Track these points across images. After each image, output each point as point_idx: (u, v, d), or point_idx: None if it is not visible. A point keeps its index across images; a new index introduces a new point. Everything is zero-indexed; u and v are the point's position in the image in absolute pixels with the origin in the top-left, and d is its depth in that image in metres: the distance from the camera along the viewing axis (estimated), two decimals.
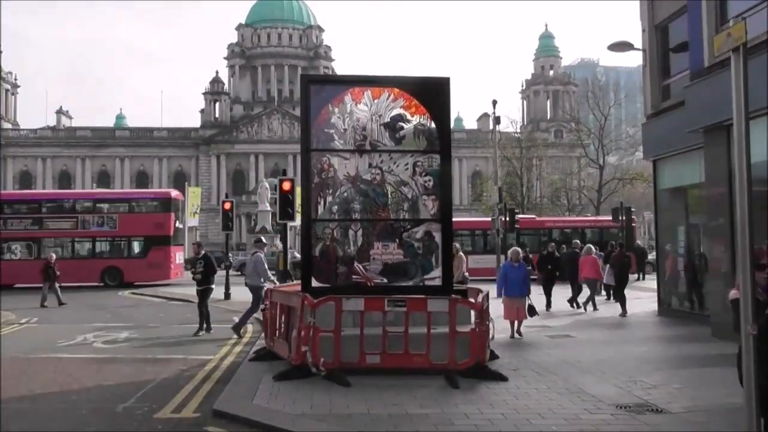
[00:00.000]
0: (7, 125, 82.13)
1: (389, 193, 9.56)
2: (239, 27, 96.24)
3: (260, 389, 7.30)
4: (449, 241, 9.74)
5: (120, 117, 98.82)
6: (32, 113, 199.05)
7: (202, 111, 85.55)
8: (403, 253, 9.46)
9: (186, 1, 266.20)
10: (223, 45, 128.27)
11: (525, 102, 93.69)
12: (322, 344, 7.55)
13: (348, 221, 9.45)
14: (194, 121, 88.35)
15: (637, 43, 15.29)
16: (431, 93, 9.88)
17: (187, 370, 8.85)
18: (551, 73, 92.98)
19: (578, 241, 19.62)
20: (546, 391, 7.39)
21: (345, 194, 9.50)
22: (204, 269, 12.30)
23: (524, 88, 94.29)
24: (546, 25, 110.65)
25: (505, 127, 52.91)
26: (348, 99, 9.70)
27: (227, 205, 20.97)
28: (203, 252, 12.74)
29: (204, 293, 12.69)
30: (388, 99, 9.78)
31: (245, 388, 7.42)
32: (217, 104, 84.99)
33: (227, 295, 20.48)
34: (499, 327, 10.30)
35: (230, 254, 48.16)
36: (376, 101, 9.74)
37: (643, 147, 15.60)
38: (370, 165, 9.59)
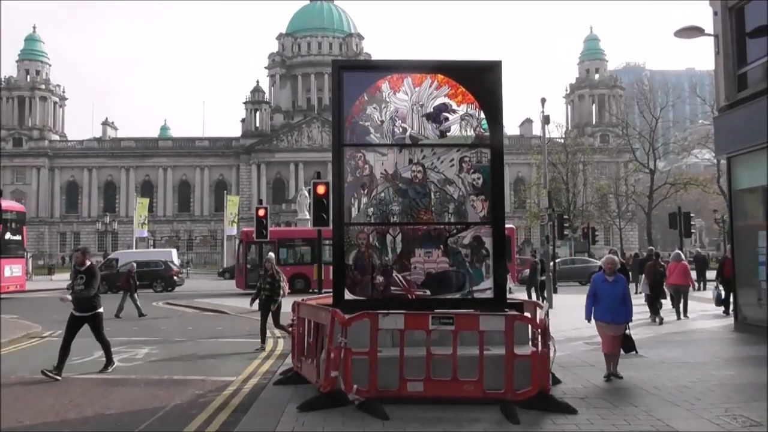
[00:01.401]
0: (54, 137, 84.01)
1: (432, 193, 8.40)
2: (280, 36, 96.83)
3: (282, 422, 6.20)
4: (502, 247, 8.50)
5: (164, 128, 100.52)
6: (79, 125, 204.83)
7: (242, 120, 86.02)
8: (449, 262, 8.29)
9: (227, 11, 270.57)
10: (264, 55, 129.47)
11: (569, 107, 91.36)
12: (355, 368, 6.40)
13: (386, 225, 8.32)
14: (235, 131, 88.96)
15: (707, 27, 13.78)
16: (480, 79, 8.68)
17: (203, 395, 7.80)
18: (596, 76, 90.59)
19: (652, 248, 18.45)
20: (625, 427, 6.09)
21: (382, 195, 8.38)
22: (86, 282, 9.90)
23: (568, 92, 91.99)
24: (591, 28, 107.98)
25: (549, 132, 51.04)
26: (385, 87, 8.58)
27: (261, 212, 20.10)
28: (89, 263, 10.24)
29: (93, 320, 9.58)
30: (431, 86, 8.63)
31: (265, 420, 6.33)
32: (258, 113, 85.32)
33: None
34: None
35: None
36: (417, 89, 8.60)
37: (715, 143, 14.08)
38: (410, 161, 8.45)
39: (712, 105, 57.73)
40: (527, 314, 8.24)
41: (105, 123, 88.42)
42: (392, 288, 8.21)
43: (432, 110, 8.59)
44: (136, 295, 19.00)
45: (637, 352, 8.89)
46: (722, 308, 15.70)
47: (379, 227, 8.30)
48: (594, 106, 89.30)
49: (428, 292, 8.22)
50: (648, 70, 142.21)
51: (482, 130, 8.56)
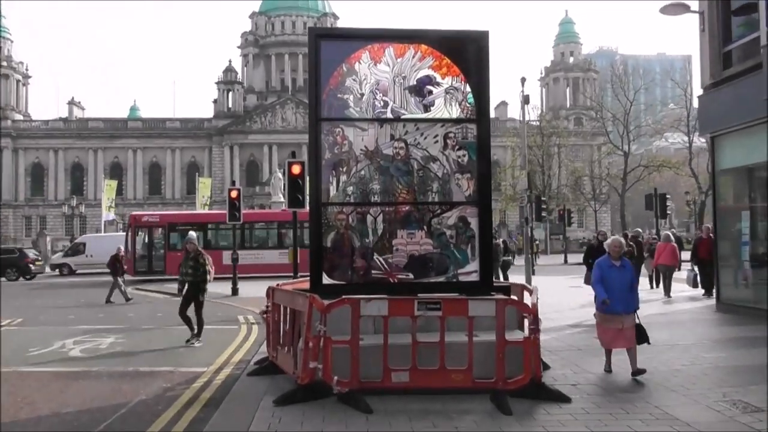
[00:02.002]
0: (18, 117, 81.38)
1: (415, 170, 7.93)
2: (253, 15, 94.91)
3: (257, 418, 5.71)
4: (489, 228, 8.09)
5: (134, 109, 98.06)
6: (44, 105, 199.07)
7: (215, 101, 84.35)
8: (433, 243, 7.86)
9: None
10: (236, 34, 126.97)
11: (544, 90, 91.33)
12: (335, 358, 5.94)
13: (366, 205, 7.84)
14: (207, 112, 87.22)
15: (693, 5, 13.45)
16: (466, 50, 8.20)
17: (171, 389, 7.26)
18: (571, 60, 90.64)
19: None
20: (624, 417, 5.74)
21: (362, 173, 7.88)
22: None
23: (543, 75, 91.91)
24: (566, 11, 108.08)
25: (528, 112, 50.85)
26: (366, 58, 8.05)
27: (234, 194, 19.45)
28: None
29: None
30: (414, 57, 8.11)
31: (238, 415, 5.84)
32: (230, 94, 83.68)
33: (235, 291, 18.99)
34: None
35: None
36: (399, 60, 8.08)
37: (698, 122, 13.90)
38: (392, 137, 7.95)
39: (685, 88, 58.49)
40: (514, 297, 7.90)
41: (71, 103, 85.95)
42: (373, 272, 7.75)
43: (415, 83, 8.08)
44: (120, 279, 18.28)
45: (649, 342, 7.71)
46: (698, 289, 15.55)
47: (359, 207, 7.81)
48: (568, 90, 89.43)
49: (411, 276, 7.79)
50: (620, 54, 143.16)
51: (468, 105, 8.09)
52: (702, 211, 52.19)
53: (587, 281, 11.12)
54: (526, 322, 7.69)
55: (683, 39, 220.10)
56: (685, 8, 13.25)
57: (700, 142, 54.76)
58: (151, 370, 8.35)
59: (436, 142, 7.99)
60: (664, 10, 13.32)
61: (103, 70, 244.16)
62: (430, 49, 8.12)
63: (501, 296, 6.84)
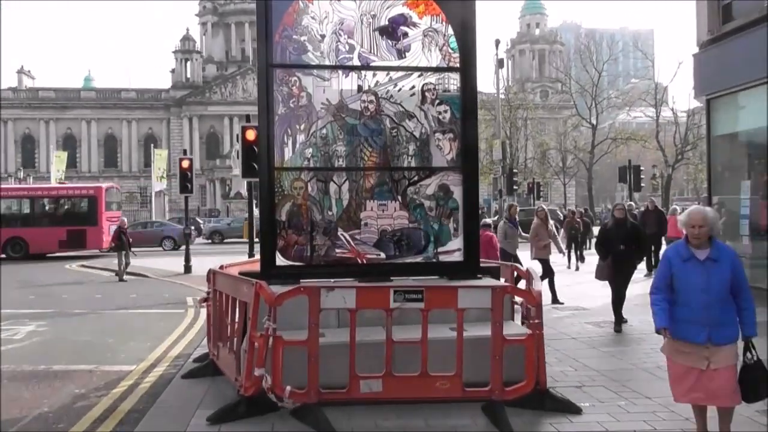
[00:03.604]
0: None
1: (388, 129, 6.61)
2: None
3: None
4: (474, 198, 6.83)
5: (88, 79, 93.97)
6: None
7: (172, 71, 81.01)
8: (409, 217, 6.60)
9: None
10: (194, 1, 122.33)
11: (510, 62, 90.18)
12: (288, 362, 4.63)
13: (328, 170, 6.51)
14: (165, 83, 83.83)
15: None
16: None
17: (84, 396, 5.85)
18: (537, 32, 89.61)
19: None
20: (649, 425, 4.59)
21: (324, 131, 6.53)
22: None
23: (509, 47, 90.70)
24: None
25: (488, 88, 49.64)
26: None
27: (185, 164, 17.79)
28: None
29: None
30: None
31: None
32: (189, 63, 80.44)
33: (187, 269, 17.47)
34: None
35: (201, 221, 45.07)
36: None
37: (694, 82, 12.71)
38: (359, 89, 6.61)
39: (653, 60, 58.16)
40: (504, 281, 6.70)
41: (20, 71, 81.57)
42: (337, 251, 6.47)
43: (386, 23, 6.71)
44: (124, 254, 16.57)
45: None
46: None
47: (320, 173, 6.48)
48: (535, 62, 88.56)
49: (382, 255, 6.55)
50: (584, 28, 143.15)
51: (450, 50, 6.77)
52: (668, 184, 52.07)
53: (600, 275, 8.80)
54: (517, 310, 6.57)
55: (646, 12, 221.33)
56: None
57: (665, 115, 54.67)
58: (66, 369, 6.88)
59: (413, 95, 6.67)
60: None
61: (55, 38, 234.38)
62: None
63: (496, 282, 5.61)
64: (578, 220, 18.67)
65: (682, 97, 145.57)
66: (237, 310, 5.58)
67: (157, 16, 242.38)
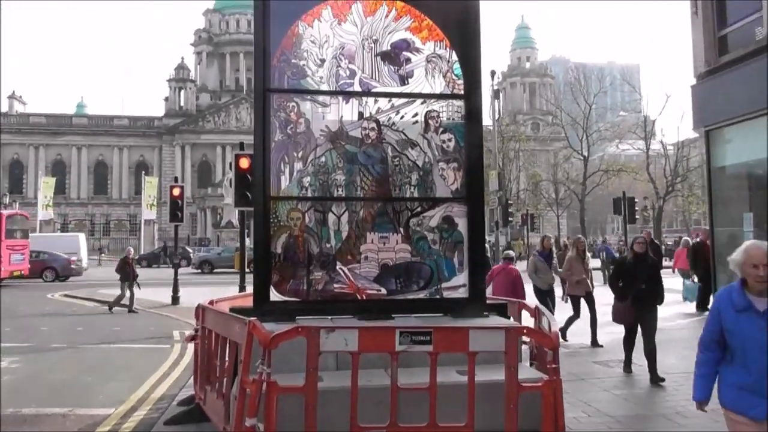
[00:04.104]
0: None
1: (390, 158, 6.30)
2: (207, 12, 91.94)
3: None
4: (480, 231, 6.51)
5: (80, 105, 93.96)
6: None
7: (166, 99, 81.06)
8: (411, 250, 6.25)
9: None
10: (189, 31, 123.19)
11: (502, 94, 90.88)
12: (283, 411, 4.22)
13: (327, 200, 6.17)
14: (158, 111, 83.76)
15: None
16: (452, 9, 6.61)
17: None
18: (528, 65, 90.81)
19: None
20: None
21: (323, 159, 6.21)
22: None
23: (500, 79, 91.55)
24: (522, 17, 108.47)
25: (499, 107, 49.80)
26: (327, 14, 6.39)
27: (176, 192, 17.42)
28: None
29: None
30: (387, 16, 6.49)
31: None
32: (183, 92, 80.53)
33: (175, 300, 16.96)
34: None
35: (191, 249, 44.42)
36: (369, 19, 6.45)
37: (693, 114, 12.58)
38: (360, 115, 6.31)
39: (641, 93, 58.84)
40: (516, 322, 6.34)
41: (12, 96, 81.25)
42: (335, 285, 6.10)
43: (389, 48, 6.46)
44: (128, 285, 15.94)
45: None
46: (688, 302, 14.15)
47: (319, 203, 6.14)
48: (525, 95, 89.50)
49: (383, 291, 6.17)
50: (573, 62, 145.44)
51: (454, 77, 6.51)
52: (660, 216, 52.11)
53: (619, 318, 7.92)
54: (524, 348, 6.20)
55: (633, 48, 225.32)
56: None
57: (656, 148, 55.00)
58: (37, 413, 6.33)
59: (416, 122, 6.39)
60: None
61: (49, 65, 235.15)
62: (408, 7, 6.51)
63: (510, 323, 5.25)
64: (560, 248, 18.55)
65: (671, 130, 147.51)
66: (228, 350, 5.17)
67: (152, 45, 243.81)
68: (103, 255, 47.62)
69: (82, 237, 35.24)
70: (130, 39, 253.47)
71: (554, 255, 10.83)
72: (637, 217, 27.93)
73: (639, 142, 54.84)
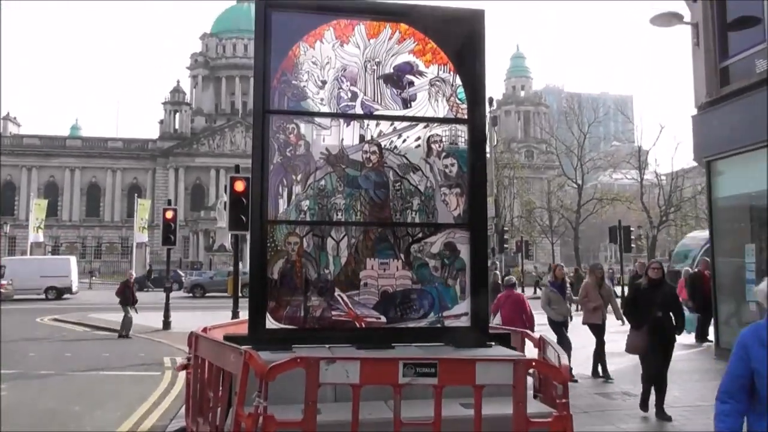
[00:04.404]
0: None
1: (391, 182, 6.13)
2: (204, 36, 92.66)
3: None
4: (483, 258, 6.33)
5: (75, 128, 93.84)
6: None
7: (161, 122, 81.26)
8: (412, 277, 6.05)
9: (146, 6, 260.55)
10: (185, 55, 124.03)
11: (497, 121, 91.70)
12: None
13: (326, 225, 5.99)
14: (152, 134, 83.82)
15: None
16: (456, 33, 6.51)
17: None
18: (522, 93, 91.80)
19: None
20: None
21: (322, 183, 6.04)
22: None
23: (495, 107, 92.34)
24: (517, 46, 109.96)
25: (496, 134, 50.01)
26: (330, 36, 6.27)
27: (169, 215, 17.23)
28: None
29: None
30: (390, 39, 6.37)
31: None
32: (178, 115, 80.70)
33: (166, 324, 16.65)
34: None
35: (183, 273, 44.00)
36: (372, 41, 6.33)
37: (693, 145, 12.53)
38: (361, 139, 6.16)
39: (635, 124, 59.35)
40: (523, 354, 6.14)
41: (6, 118, 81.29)
42: (333, 313, 5.87)
43: (392, 71, 6.33)
44: (132, 309, 15.73)
45: None
46: (690, 333, 13.95)
47: (317, 227, 5.96)
48: (520, 123, 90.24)
49: (383, 319, 5.95)
50: (566, 92, 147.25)
51: (458, 101, 6.37)
52: (654, 245, 52.17)
53: (633, 348, 7.52)
54: (530, 381, 5.99)
55: (626, 80, 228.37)
56: (678, 19, 12.06)
57: (650, 177, 55.32)
58: None
59: (418, 146, 6.23)
60: (655, 21, 12.08)
61: (44, 87, 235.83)
62: (412, 30, 6.40)
63: (517, 354, 5.06)
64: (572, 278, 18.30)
65: (665, 160, 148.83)
66: (222, 380, 4.94)
67: (148, 68, 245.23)
68: (94, 278, 47.12)
69: (72, 260, 34.85)
70: (126, 62, 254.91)
71: (567, 284, 10.36)
72: (633, 246, 27.91)
73: (632, 172, 55.25)
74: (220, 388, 4.94)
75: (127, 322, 15.60)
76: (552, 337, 8.67)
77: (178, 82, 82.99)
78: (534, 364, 4.59)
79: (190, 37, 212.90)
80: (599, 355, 9.58)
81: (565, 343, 9.15)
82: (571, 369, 9.29)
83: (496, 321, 10.70)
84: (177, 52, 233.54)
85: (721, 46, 11.80)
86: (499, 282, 10.62)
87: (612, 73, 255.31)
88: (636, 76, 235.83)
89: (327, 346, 5.74)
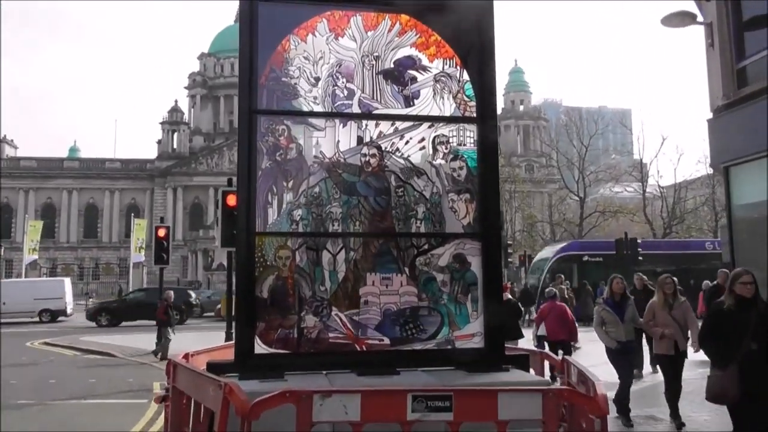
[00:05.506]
0: None
1: (393, 188, 5.52)
2: (202, 56, 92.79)
3: None
4: (497, 271, 5.68)
5: (73, 149, 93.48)
6: None
7: (159, 142, 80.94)
8: (417, 293, 5.41)
9: (143, 27, 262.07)
10: (183, 74, 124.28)
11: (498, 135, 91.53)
12: None
13: (321, 236, 5.36)
14: (151, 154, 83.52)
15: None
16: (462, 24, 5.93)
17: None
18: (521, 108, 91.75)
19: None
20: None
21: (317, 190, 5.42)
22: None
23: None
24: (516, 61, 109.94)
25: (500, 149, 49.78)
26: (323, 28, 5.68)
27: (162, 232, 16.64)
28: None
29: None
30: (390, 31, 5.79)
31: None
32: (176, 135, 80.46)
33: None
34: None
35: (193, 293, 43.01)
36: (370, 34, 5.75)
37: (710, 149, 11.94)
38: (360, 141, 5.55)
39: (638, 137, 59.24)
40: (531, 372, 5.48)
41: (2, 140, 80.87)
42: (330, 335, 5.23)
43: (392, 66, 5.74)
44: (170, 330, 15.53)
45: None
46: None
47: (312, 239, 5.33)
48: (519, 137, 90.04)
49: (386, 340, 5.31)
50: (564, 106, 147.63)
51: (466, 98, 5.78)
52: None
53: (717, 396, 5.41)
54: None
55: (624, 94, 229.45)
56: (691, 18, 11.52)
57: (653, 189, 54.83)
58: None
59: (423, 148, 5.63)
60: (667, 21, 11.56)
61: (42, 109, 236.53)
62: (414, 21, 5.81)
63: (537, 378, 4.41)
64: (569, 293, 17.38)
65: (667, 171, 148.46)
66: (202, 415, 4.28)
67: (146, 88, 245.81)
68: (90, 300, 46.34)
69: (67, 281, 34.15)
70: (124, 82, 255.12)
71: (629, 301, 8.33)
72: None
73: (633, 185, 54.88)
74: (200, 426, 4.28)
75: (166, 344, 15.16)
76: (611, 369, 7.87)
77: (176, 101, 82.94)
78: (566, 394, 3.92)
79: (188, 57, 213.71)
80: (670, 399, 7.83)
81: (625, 375, 7.91)
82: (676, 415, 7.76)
83: (540, 332, 10.82)
84: (175, 72, 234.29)
85: (737, 46, 11.25)
86: (565, 297, 10.06)
87: (610, 86, 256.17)
88: (634, 90, 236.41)
89: (324, 372, 5.10)
